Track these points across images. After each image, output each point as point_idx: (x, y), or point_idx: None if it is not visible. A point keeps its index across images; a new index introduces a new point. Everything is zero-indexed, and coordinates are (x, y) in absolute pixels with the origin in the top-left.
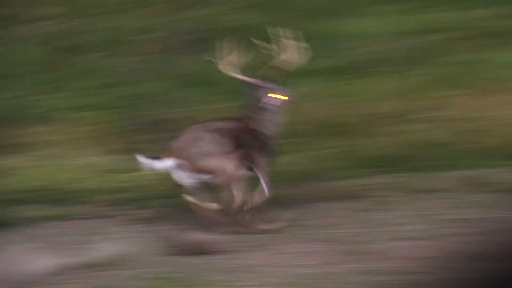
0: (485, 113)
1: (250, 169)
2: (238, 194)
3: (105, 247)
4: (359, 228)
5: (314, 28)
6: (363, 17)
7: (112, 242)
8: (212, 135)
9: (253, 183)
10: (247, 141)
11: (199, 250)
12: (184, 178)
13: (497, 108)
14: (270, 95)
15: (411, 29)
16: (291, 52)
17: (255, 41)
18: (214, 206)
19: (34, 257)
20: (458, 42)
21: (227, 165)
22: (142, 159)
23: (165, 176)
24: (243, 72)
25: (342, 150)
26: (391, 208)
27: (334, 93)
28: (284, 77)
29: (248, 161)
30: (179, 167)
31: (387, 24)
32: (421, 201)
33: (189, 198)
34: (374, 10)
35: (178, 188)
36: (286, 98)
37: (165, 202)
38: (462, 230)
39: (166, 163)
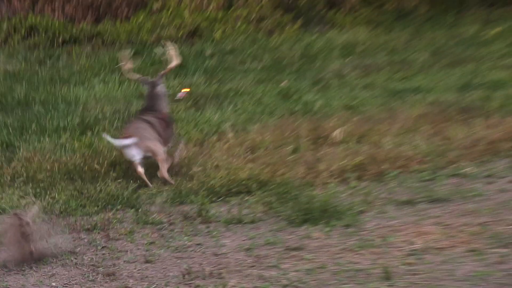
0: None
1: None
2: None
3: None
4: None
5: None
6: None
7: None
8: (146, 124)
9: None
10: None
11: None
12: (135, 154)
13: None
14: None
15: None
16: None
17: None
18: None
19: None
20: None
21: (160, 147)
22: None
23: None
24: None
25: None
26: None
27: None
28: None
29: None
30: (134, 145)
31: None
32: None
33: (140, 170)
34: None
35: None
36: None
37: None
38: None
39: (124, 142)
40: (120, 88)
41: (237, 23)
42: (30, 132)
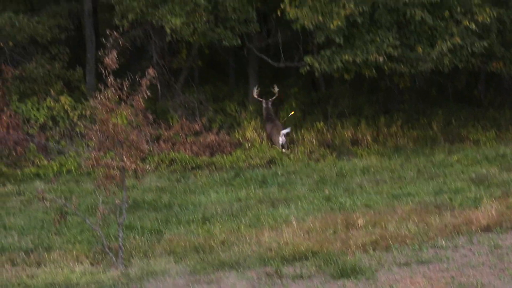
0: None
1: None
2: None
3: None
4: None
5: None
6: None
7: None
8: None
9: None
10: None
11: None
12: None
13: None
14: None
15: None
16: None
17: None
18: None
19: None
20: None
21: None
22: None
23: None
24: None
25: None
26: None
27: None
28: None
29: None
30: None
31: None
32: None
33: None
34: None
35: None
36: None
37: None
38: None
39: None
40: (226, 196)
41: (297, 154)
42: (171, 223)
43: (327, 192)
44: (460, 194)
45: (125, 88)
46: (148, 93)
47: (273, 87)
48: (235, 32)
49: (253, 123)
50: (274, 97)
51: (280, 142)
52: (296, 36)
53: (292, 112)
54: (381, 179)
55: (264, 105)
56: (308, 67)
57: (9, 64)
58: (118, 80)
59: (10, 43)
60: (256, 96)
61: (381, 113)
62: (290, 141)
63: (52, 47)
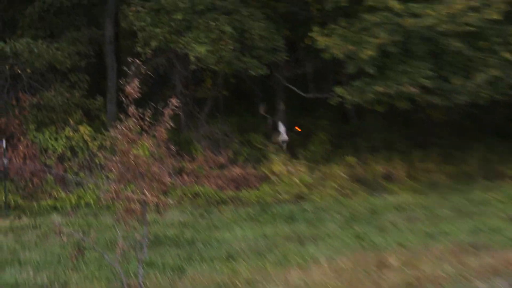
0: None
1: None
2: None
3: None
4: None
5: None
6: None
7: None
8: None
9: None
10: None
11: None
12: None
13: None
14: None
15: None
16: None
17: None
18: None
19: None
20: None
21: None
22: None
23: None
24: None
25: None
26: None
27: None
28: None
29: None
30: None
31: None
32: None
33: None
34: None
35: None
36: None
37: None
38: None
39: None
40: (252, 233)
41: (327, 189)
42: (194, 260)
43: (358, 229)
44: (498, 234)
45: (147, 118)
46: (171, 124)
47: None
48: (262, 61)
49: (280, 156)
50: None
51: (282, 139)
52: (326, 66)
53: (299, 130)
54: (415, 217)
55: (269, 121)
56: (338, 98)
57: (26, 92)
58: (140, 110)
59: (28, 70)
60: (263, 113)
61: (415, 148)
62: (320, 176)
63: (72, 74)
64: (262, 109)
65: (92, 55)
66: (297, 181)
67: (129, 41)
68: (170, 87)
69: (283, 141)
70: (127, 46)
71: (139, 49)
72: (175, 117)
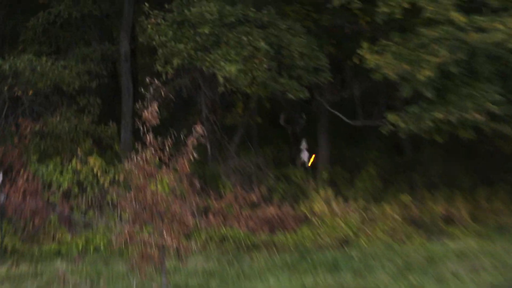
0: None
1: None
2: None
3: None
4: None
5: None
6: None
7: None
8: None
9: None
10: None
11: None
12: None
13: None
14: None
15: None
16: None
17: None
18: None
19: None
20: None
21: None
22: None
23: None
24: None
25: None
26: None
27: None
28: None
29: None
30: None
31: None
32: None
33: None
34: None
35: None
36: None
37: None
38: None
39: None
40: (289, 284)
41: (377, 233)
42: None
43: (413, 281)
44: None
45: (167, 148)
46: (195, 155)
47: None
48: (302, 82)
49: (322, 193)
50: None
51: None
52: (376, 88)
53: (313, 156)
54: (480, 266)
55: (290, 133)
56: (391, 126)
57: (28, 117)
58: (159, 138)
59: (30, 92)
60: (283, 123)
61: (480, 184)
62: (369, 217)
63: (81, 97)
64: (282, 119)
65: (104, 74)
66: (342, 223)
67: (147, 58)
68: (195, 112)
69: (304, 161)
70: (145, 64)
71: (159, 68)
72: (200, 148)
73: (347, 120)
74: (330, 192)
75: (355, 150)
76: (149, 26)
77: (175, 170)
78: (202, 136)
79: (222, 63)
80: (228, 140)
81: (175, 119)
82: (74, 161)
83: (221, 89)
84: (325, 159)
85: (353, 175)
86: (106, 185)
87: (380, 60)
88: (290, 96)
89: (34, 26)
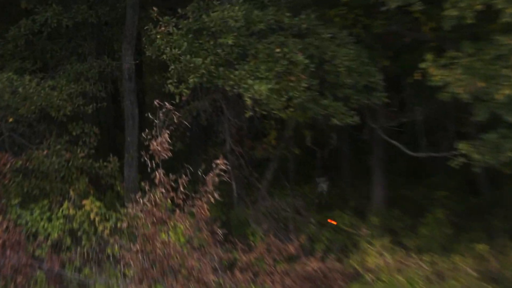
0: None
1: None
2: None
3: None
4: None
5: None
6: None
7: None
8: None
9: None
10: None
11: None
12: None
13: None
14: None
15: None
16: None
17: None
18: None
19: None
20: None
21: None
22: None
23: None
24: None
25: None
26: None
27: None
28: None
29: None
30: None
31: None
32: None
33: None
34: None
35: None
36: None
37: None
38: None
39: None
40: None
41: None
42: None
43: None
44: None
45: (182, 188)
46: (217, 196)
47: None
48: (351, 104)
49: (377, 243)
50: None
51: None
52: (444, 112)
53: (334, 222)
54: None
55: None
56: (462, 159)
57: (7, 151)
58: (171, 176)
59: (10, 119)
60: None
61: None
62: (437, 273)
63: (73, 125)
64: (309, 139)
65: (103, 97)
66: (403, 279)
67: (156, 76)
68: (216, 143)
69: (321, 191)
70: (153, 84)
71: (171, 88)
72: (223, 186)
73: (408, 151)
74: (387, 241)
75: (417, 189)
76: (158, 36)
77: (192, 215)
78: (225, 172)
79: (250, 81)
80: (258, 177)
81: (191, 152)
82: (65, 205)
83: (248, 113)
84: (380, 199)
85: (416, 220)
86: (105, 234)
87: (448, 76)
88: (335, 121)
89: (15, 37)
